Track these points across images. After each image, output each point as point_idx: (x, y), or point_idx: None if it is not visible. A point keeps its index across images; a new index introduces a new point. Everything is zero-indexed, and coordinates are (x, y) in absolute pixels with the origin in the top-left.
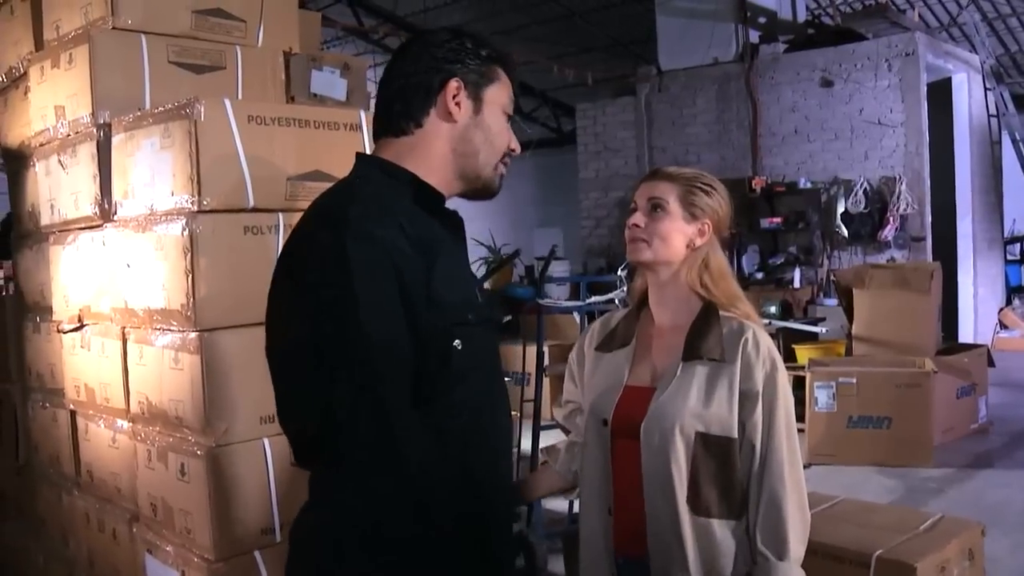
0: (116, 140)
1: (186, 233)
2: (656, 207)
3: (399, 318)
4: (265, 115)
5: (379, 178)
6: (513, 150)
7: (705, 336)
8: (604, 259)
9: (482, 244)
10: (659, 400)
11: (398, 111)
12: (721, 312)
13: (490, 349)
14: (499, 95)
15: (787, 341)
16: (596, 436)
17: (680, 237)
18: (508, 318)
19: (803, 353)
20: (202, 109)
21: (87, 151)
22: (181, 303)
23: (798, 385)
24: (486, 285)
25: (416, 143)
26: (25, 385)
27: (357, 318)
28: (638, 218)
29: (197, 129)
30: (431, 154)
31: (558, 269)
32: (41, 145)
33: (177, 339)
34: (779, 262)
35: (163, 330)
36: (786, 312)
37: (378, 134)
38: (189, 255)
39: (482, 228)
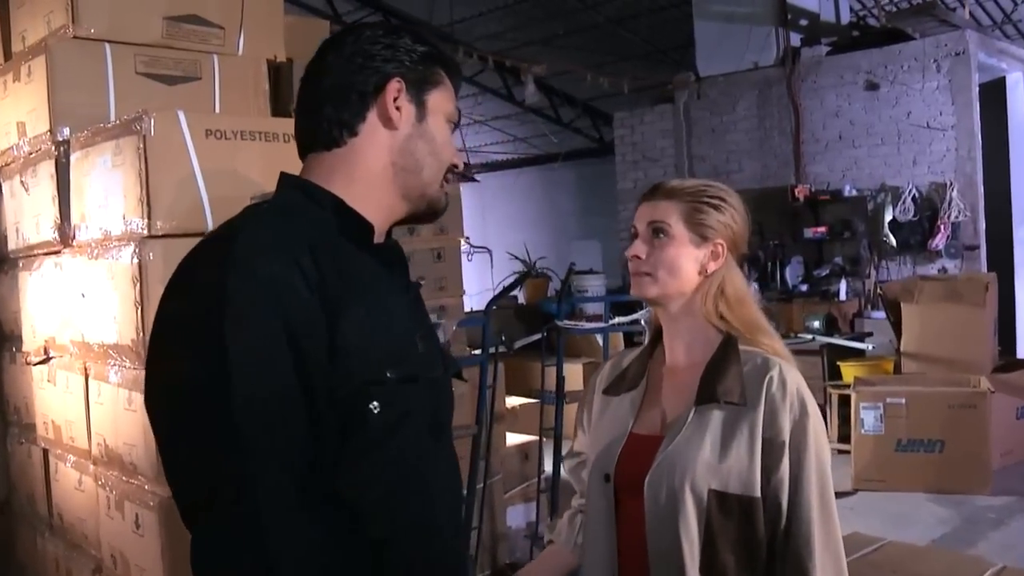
0: (74, 158)
1: (135, 261)
2: (658, 232)
3: (285, 375)
4: (226, 128)
5: (299, 204)
6: (456, 166)
7: (722, 375)
8: None
9: (516, 257)
10: (666, 451)
11: (328, 116)
12: (742, 347)
13: (427, 411)
14: (443, 102)
15: (832, 358)
16: (599, 494)
17: (690, 264)
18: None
19: (849, 371)
20: (152, 123)
21: (47, 170)
22: (132, 338)
23: (843, 404)
24: (521, 299)
25: (349, 157)
26: (5, 418)
27: (226, 374)
28: (638, 247)
29: (146, 145)
30: (369, 170)
31: (593, 284)
32: (7, 164)
33: (129, 377)
34: (824, 274)
35: (116, 367)
36: (831, 327)
37: (305, 147)
38: (138, 285)
39: (517, 240)
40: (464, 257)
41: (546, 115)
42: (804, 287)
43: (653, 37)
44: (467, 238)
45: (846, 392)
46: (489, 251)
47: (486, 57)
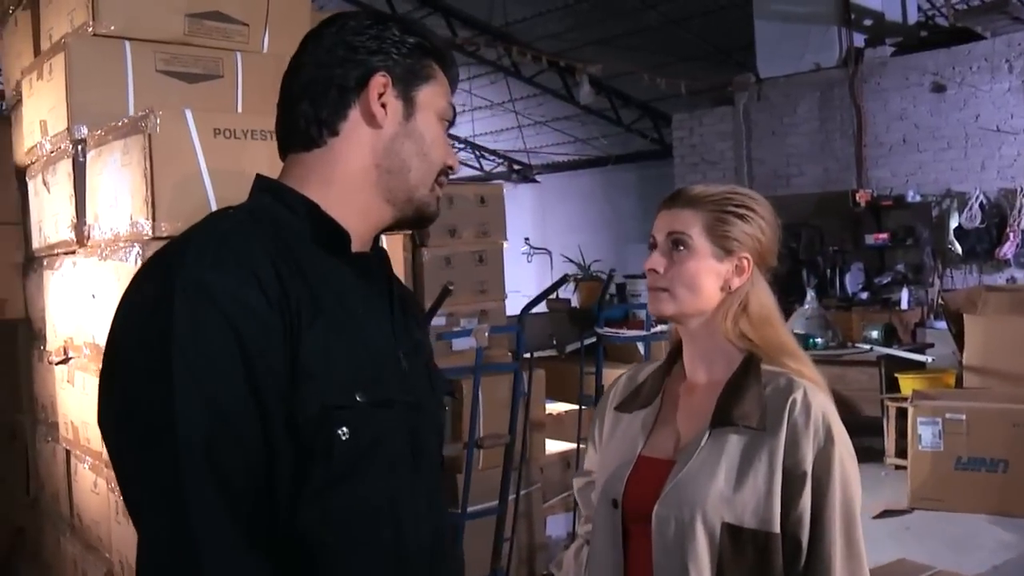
0: (89, 157)
1: (139, 262)
2: (678, 244)
3: (236, 401)
4: (236, 127)
5: (268, 209)
6: (451, 167)
7: (741, 397)
8: None
9: (571, 260)
10: (677, 479)
11: (305, 114)
12: (765, 366)
13: (404, 437)
14: (435, 98)
15: (890, 369)
16: (606, 521)
17: (711, 280)
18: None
19: (907, 383)
20: (157, 121)
21: (65, 169)
22: None
23: (901, 417)
24: (574, 302)
25: (328, 158)
26: (34, 417)
27: (170, 401)
28: (655, 260)
29: (151, 144)
30: (348, 172)
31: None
32: (32, 163)
33: None
34: (885, 281)
35: None
36: (890, 337)
37: (283, 147)
38: None
39: (576, 242)
40: (524, 258)
41: (606, 116)
42: (864, 295)
43: (714, 38)
44: (527, 240)
45: (904, 405)
46: (549, 253)
47: (540, 57)
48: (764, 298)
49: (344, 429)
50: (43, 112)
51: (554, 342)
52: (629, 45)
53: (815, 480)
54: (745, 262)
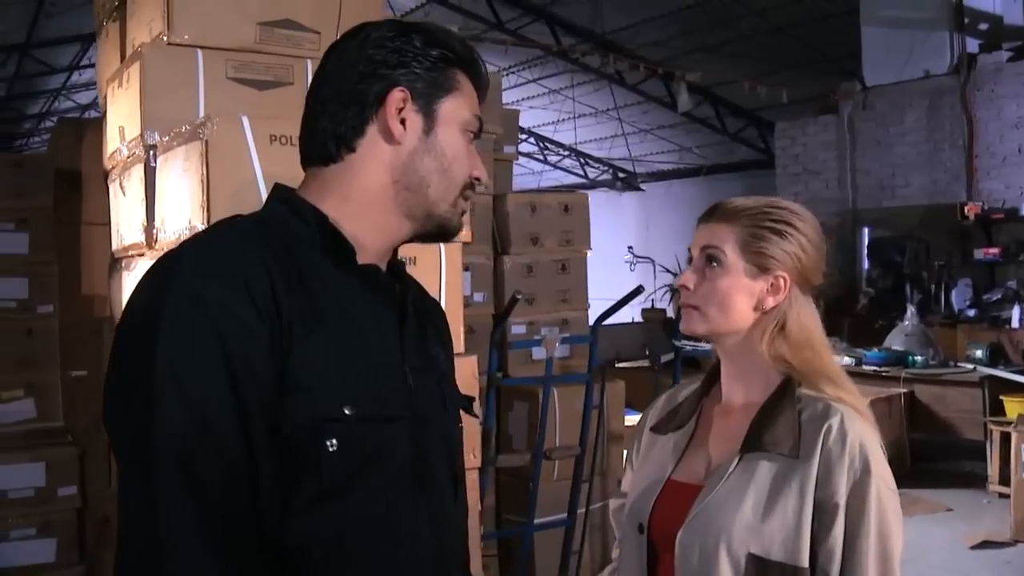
0: (159, 162)
1: None
2: (711, 259)
3: (218, 411)
4: (292, 134)
5: (281, 219)
6: (478, 179)
7: (774, 422)
8: None
9: (668, 271)
10: (703, 505)
11: (324, 129)
12: (804, 391)
13: (406, 454)
14: (458, 110)
15: (995, 391)
16: (632, 545)
17: (744, 299)
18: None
19: (1013, 406)
20: (214, 127)
21: (137, 174)
22: None
23: (1005, 442)
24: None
25: (345, 174)
26: None
27: (151, 404)
28: (686, 277)
29: (208, 150)
30: (365, 189)
31: None
32: (112, 167)
33: None
34: (995, 298)
35: None
36: (997, 356)
37: (304, 160)
38: None
39: (679, 252)
40: (627, 267)
41: (711, 125)
42: (971, 312)
43: (820, 45)
44: (630, 248)
45: (1009, 430)
46: (652, 261)
47: (637, 64)
48: (805, 319)
49: (333, 441)
50: (122, 118)
51: (647, 353)
52: (734, 52)
53: (849, 513)
54: (782, 281)
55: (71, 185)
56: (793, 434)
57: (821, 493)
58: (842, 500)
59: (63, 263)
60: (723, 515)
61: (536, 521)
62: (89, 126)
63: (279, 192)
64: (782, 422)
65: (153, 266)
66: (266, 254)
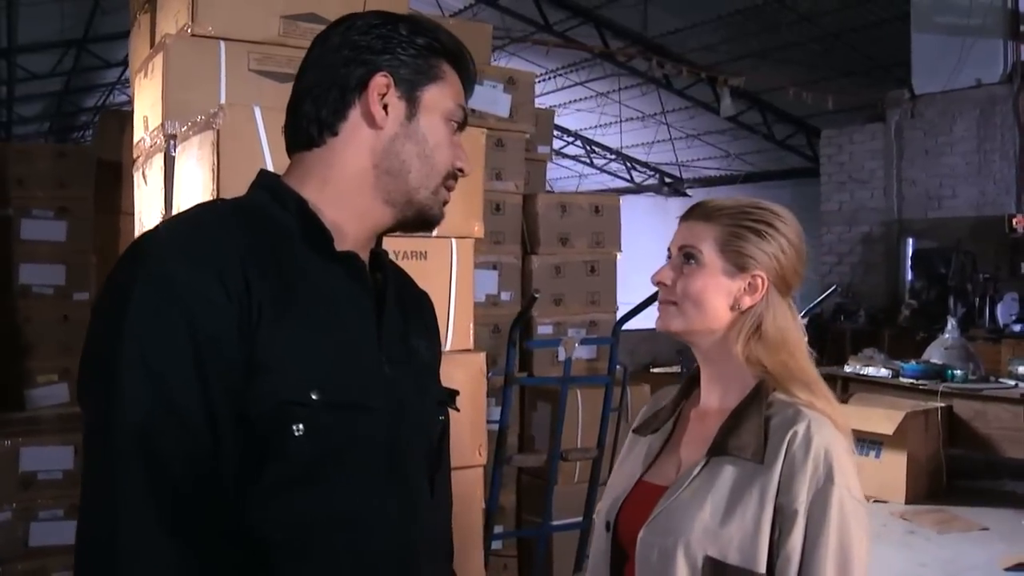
0: (177, 151)
1: None
2: (689, 257)
3: (183, 391)
4: None
5: (261, 204)
6: (460, 170)
7: (741, 426)
8: (845, 299)
9: None
10: (665, 506)
11: (307, 114)
12: (778, 395)
13: (379, 444)
14: (441, 98)
15: None
16: (599, 542)
17: (719, 297)
18: None
19: None
20: (226, 117)
21: (158, 163)
22: None
23: None
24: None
25: (327, 157)
26: None
27: (115, 380)
28: (663, 273)
29: (220, 139)
30: (345, 172)
31: None
32: (137, 157)
33: None
34: None
35: None
36: None
37: (288, 146)
38: None
39: None
40: None
41: (758, 131)
42: (1017, 327)
43: (870, 51)
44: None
45: None
46: None
47: (681, 69)
48: (782, 321)
49: (300, 426)
50: (146, 108)
51: (681, 358)
52: (784, 58)
53: (809, 521)
54: (759, 281)
55: (114, 175)
56: (758, 439)
57: (782, 499)
58: (802, 507)
59: (101, 252)
60: (683, 517)
61: (553, 523)
62: (131, 118)
63: (262, 178)
64: (748, 427)
65: (130, 245)
66: (238, 237)
